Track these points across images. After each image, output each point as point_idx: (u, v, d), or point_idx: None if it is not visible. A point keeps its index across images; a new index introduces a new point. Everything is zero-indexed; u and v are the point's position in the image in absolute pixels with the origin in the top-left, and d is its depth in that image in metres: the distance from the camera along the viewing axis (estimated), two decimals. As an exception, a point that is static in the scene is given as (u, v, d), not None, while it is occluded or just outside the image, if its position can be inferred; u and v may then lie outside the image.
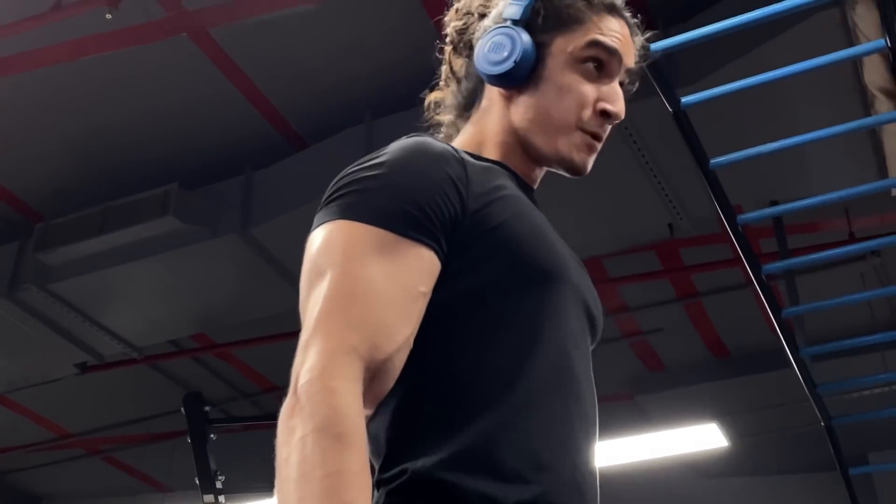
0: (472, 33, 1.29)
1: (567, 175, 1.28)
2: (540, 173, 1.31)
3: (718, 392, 5.68)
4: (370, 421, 1.05)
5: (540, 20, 1.22)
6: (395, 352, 1.00)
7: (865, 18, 3.13)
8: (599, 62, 1.22)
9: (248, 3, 3.83)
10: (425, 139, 1.14)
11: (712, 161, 2.90)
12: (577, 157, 1.24)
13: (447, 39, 1.34)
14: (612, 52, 1.22)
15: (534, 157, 1.26)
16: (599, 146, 1.26)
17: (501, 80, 1.21)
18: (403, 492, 1.00)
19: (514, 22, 1.21)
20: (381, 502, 1.02)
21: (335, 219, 1.05)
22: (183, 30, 3.90)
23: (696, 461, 6.21)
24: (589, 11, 1.22)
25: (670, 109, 2.72)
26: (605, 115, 1.22)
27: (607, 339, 5.67)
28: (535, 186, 1.31)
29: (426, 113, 1.39)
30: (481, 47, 1.22)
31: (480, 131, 1.28)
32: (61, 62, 3.95)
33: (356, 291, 1.00)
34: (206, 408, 4.95)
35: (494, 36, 1.21)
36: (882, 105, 3.47)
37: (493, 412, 1.03)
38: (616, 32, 1.23)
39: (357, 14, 3.89)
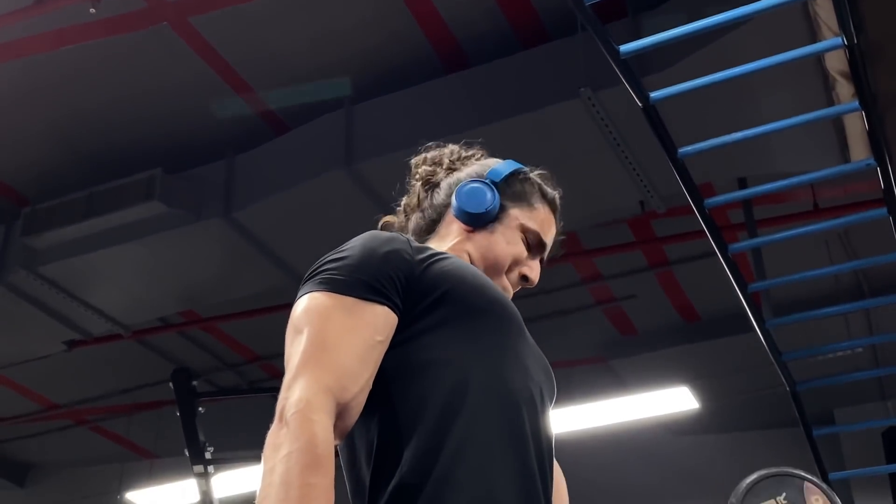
0: (439, 179, 1.66)
1: None
2: None
3: (689, 356, 5.86)
4: (353, 465, 1.32)
5: (509, 190, 1.61)
6: (359, 391, 1.26)
7: (826, 9, 3.25)
8: (532, 241, 1.62)
9: (226, -9, 3.90)
10: (378, 230, 1.50)
11: (680, 150, 3.04)
12: None
13: (416, 177, 1.69)
14: (542, 244, 1.62)
15: None
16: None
17: (471, 218, 1.57)
18: None
19: (494, 182, 1.60)
20: None
21: (310, 291, 1.34)
22: (163, 19, 3.96)
23: (669, 421, 6.41)
24: (542, 202, 1.64)
25: (640, 104, 2.84)
26: (524, 278, 1.60)
27: (582, 306, 5.84)
28: None
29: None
30: (462, 189, 1.59)
31: (438, 247, 1.60)
32: (44, 52, 4.01)
33: (327, 343, 1.27)
34: (194, 382, 5.08)
35: (477, 185, 1.60)
36: (842, 88, 3.61)
37: (436, 449, 1.23)
38: (549, 226, 1.65)
39: (335, 1, 3.96)
